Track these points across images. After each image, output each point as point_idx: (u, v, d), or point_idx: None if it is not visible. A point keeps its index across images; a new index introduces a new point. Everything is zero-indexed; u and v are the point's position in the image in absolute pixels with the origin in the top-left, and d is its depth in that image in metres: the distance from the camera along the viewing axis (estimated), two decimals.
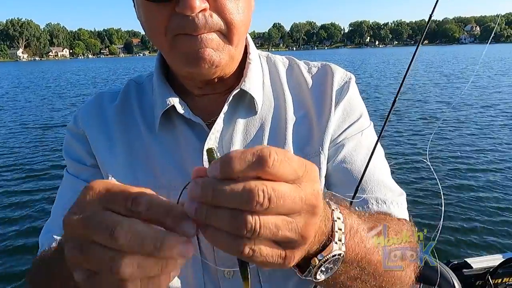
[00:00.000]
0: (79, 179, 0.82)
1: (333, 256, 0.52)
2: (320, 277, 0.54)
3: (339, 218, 0.52)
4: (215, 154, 0.40)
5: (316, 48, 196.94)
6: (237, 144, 0.79)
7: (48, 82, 30.48)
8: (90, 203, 0.40)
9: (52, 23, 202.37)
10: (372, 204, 0.75)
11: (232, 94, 0.77)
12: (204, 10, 0.63)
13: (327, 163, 0.79)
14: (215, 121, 0.77)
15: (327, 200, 0.53)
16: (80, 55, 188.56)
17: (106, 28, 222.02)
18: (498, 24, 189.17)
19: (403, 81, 0.79)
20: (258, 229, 0.36)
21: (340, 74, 0.85)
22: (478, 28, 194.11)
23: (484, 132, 8.83)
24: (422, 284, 2.22)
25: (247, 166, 0.36)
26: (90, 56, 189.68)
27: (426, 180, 5.76)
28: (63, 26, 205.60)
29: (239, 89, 0.78)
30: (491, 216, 4.71)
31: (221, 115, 0.77)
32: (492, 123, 9.68)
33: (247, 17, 0.71)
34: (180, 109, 0.78)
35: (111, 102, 0.87)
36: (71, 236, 0.40)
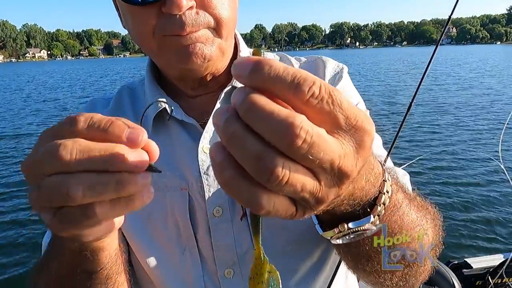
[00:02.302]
0: None
1: (365, 229, 0.49)
2: (336, 242, 0.51)
3: (387, 192, 0.48)
4: (262, 56, 0.34)
5: (298, 49, 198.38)
6: None
7: (21, 85, 29.27)
8: (39, 141, 0.39)
9: (29, 24, 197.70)
10: None
11: (224, 92, 0.77)
12: (190, 8, 0.63)
13: None
14: (208, 119, 0.77)
15: (383, 167, 0.48)
16: (59, 57, 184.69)
17: (85, 29, 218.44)
18: (473, 25, 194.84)
19: (421, 81, 0.79)
20: (283, 183, 0.31)
21: (332, 65, 0.85)
22: (454, 30, 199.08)
23: None
24: (422, 284, 2.19)
25: (282, 87, 0.31)
26: (69, 57, 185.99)
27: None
28: (40, 27, 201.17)
29: (230, 86, 0.78)
30: (492, 216, 4.74)
31: (214, 114, 0.78)
32: None
33: (234, 11, 0.71)
34: (171, 111, 0.78)
35: (104, 108, 0.88)
36: (29, 181, 0.39)
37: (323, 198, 0.35)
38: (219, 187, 0.70)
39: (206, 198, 0.75)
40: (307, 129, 0.30)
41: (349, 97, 0.82)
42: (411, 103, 0.84)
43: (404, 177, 0.80)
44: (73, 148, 0.35)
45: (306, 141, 0.30)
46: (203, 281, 0.78)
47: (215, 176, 0.34)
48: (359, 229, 0.48)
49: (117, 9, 0.76)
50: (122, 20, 0.75)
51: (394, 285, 0.62)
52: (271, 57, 0.89)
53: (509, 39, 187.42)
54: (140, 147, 0.37)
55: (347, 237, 0.50)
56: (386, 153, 0.82)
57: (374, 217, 0.48)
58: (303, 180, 0.32)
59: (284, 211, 0.35)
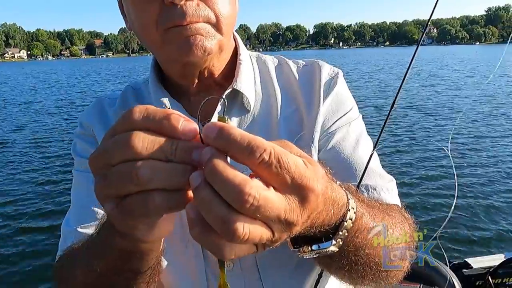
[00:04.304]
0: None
1: (327, 251, 0.54)
2: (306, 256, 0.56)
3: (350, 219, 0.53)
4: (226, 122, 0.40)
5: (282, 50, 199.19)
6: None
7: None
8: (104, 139, 0.42)
9: (8, 23, 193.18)
10: (363, 191, 0.76)
11: (224, 94, 0.80)
12: None
13: (318, 154, 0.82)
14: (209, 121, 0.79)
15: (349, 197, 0.53)
16: (39, 57, 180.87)
17: (66, 29, 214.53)
18: (453, 26, 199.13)
19: (403, 81, 0.82)
20: (244, 240, 0.37)
21: (327, 70, 0.88)
22: (435, 30, 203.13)
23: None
24: (422, 284, 2.16)
25: (238, 151, 0.37)
26: (49, 57, 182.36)
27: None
28: (19, 27, 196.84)
29: (231, 89, 0.80)
30: (492, 216, 4.75)
31: (215, 115, 0.79)
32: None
33: (234, 9, 0.75)
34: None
35: (111, 107, 0.91)
36: (96, 172, 0.42)
37: (277, 240, 0.41)
38: None
39: None
40: (255, 194, 0.36)
41: (343, 102, 0.85)
42: (393, 102, 0.84)
43: (390, 183, 0.81)
44: (145, 137, 0.38)
45: (253, 204, 0.36)
46: (205, 274, 0.81)
47: (189, 229, 0.40)
48: (321, 251, 0.54)
49: (122, 12, 0.80)
50: (127, 22, 0.79)
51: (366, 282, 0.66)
52: (270, 60, 0.91)
53: (487, 39, 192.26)
54: (192, 140, 0.40)
55: (312, 255, 0.55)
56: (377, 154, 0.83)
57: (335, 241, 0.53)
58: (260, 233, 0.38)
59: (246, 252, 0.42)
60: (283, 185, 0.38)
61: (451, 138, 7.97)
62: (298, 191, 0.39)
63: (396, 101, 0.84)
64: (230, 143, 0.37)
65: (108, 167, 0.40)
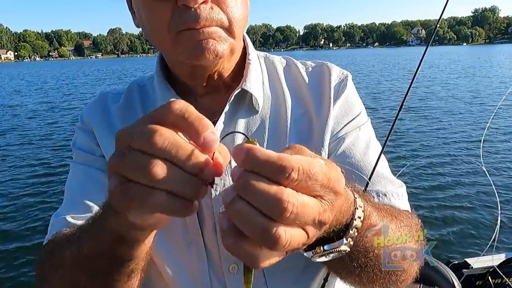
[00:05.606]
0: (91, 167, 0.85)
1: (339, 250, 0.54)
2: (318, 259, 0.56)
3: (359, 217, 0.54)
4: (255, 144, 0.41)
5: (272, 50, 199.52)
6: None
7: None
8: (140, 120, 0.43)
9: None
10: (373, 197, 0.76)
11: (233, 94, 0.79)
12: (205, 2, 0.66)
13: (328, 158, 0.81)
14: (217, 121, 0.78)
15: (355, 196, 0.54)
16: (26, 58, 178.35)
17: (54, 30, 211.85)
18: (441, 27, 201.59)
19: (411, 83, 0.82)
20: (286, 247, 0.38)
21: (336, 72, 0.87)
22: (423, 31, 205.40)
23: None
24: (422, 284, 2.15)
25: (264, 169, 0.37)
26: (37, 58, 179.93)
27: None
28: (6, 27, 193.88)
29: (240, 89, 0.79)
30: (492, 215, 4.74)
31: (222, 115, 0.78)
32: None
33: (245, 10, 0.74)
34: None
35: (115, 103, 0.90)
36: (117, 147, 0.43)
37: (309, 242, 0.42)
38: (225, 185, 0.77)
39: (213, 196, 0.78)
40: (293, 202, 0.36)
41: (352, 105, 0.85)
42: (401, 106, 0.83)
43: (400, 189, 0.80)
44: (167, 138, 0.39)
45: (293, 212, 0.36)
46: (208, 275, 0.80)
47: (221, 239, 0.40)
48: (333, 250, 0.54)
49: (130, 9, 0.79)
50: (135, 19, 0.78)
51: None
52: (277, 60, 0.90)
53: (474, 40, 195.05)
54: (210, 153, 0.41)
55: (325, 257, 0.55)
56: (385, 159, 0.83)
57: (346, 240, 0.54)
58: (299, 239, 0.39)
59: (278, 259, 0.42)
60: (314, 192, 0.39)
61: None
62: (329, 192, 0.40)
63: (404, 104, 0.83)
64: (257, 165, 0.37)
65: (127, 147, 0.41)
